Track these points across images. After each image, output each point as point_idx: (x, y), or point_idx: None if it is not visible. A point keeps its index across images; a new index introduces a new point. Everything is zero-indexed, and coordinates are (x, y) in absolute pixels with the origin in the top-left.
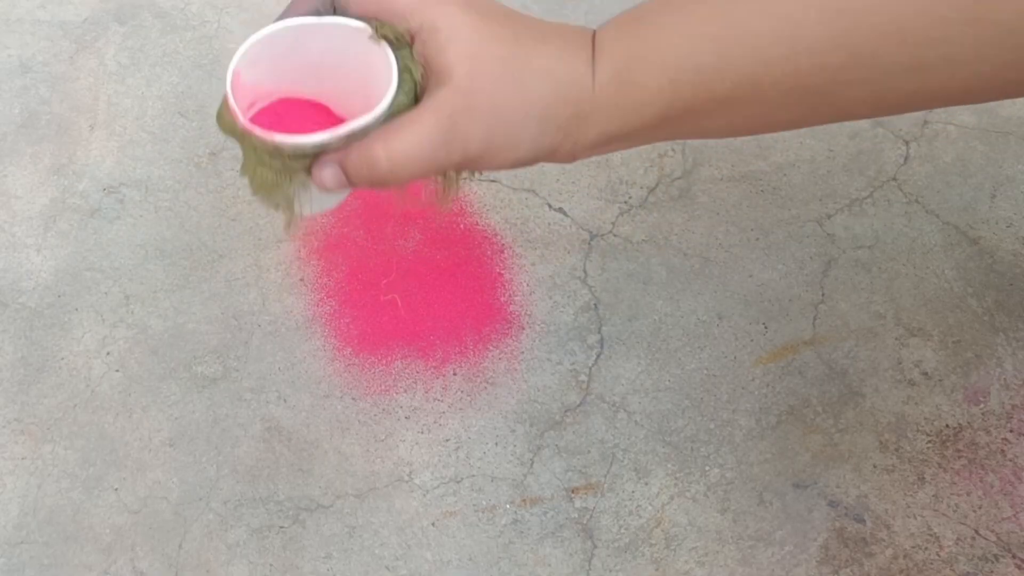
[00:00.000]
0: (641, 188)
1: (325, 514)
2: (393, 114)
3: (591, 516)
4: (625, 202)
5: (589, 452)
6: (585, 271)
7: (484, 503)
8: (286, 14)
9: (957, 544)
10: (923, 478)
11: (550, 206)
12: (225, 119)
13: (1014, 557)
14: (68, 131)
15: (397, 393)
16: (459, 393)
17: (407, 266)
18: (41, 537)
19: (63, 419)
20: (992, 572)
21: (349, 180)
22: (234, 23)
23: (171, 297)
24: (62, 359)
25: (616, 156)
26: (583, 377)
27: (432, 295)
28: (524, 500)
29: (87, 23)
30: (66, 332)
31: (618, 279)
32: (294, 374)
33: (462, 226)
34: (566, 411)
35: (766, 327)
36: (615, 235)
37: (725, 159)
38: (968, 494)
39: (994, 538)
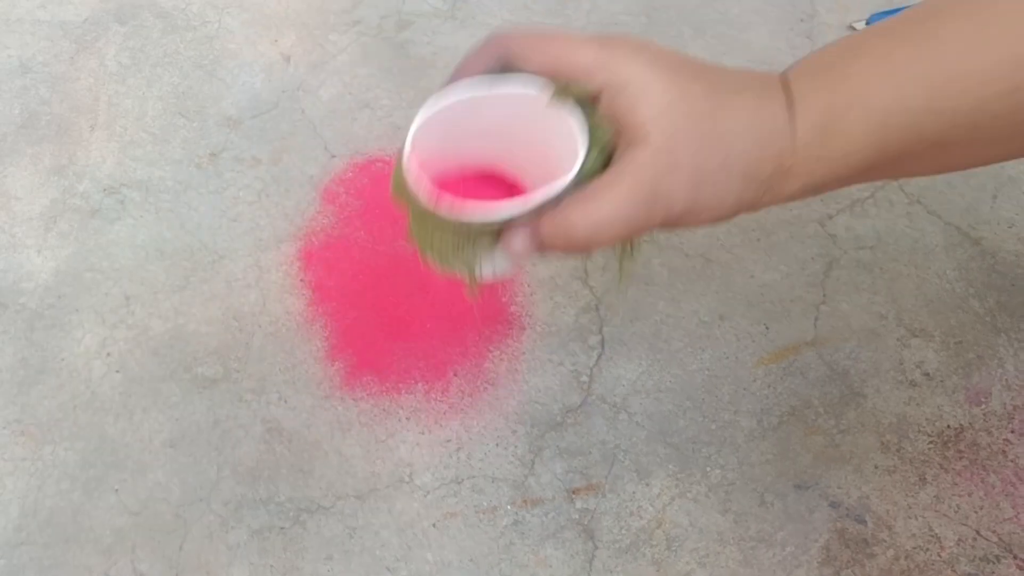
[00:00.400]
0: None
1: (326, 515)
2: (583, 178)
3: (592, 517)
4: None
5: (590, 453)
6: (586, 272)
7: (485, 504)
8: (458, 74)
9: (958, 545)
10: (924, 479)
11: None
12: (403, 193)
13: (1015, 558)
14: (68, 131)
15: (398, 394)
16: (460, 394)
17: (408, 267)
18: (41, 538)
19: (63, 420)
20: (993, 573)
21: (543, 247)
22: (235, 23)
23: (171, 298)
24: (62, 360)
25: None
26: (584, 378)
27: (433, 296)
28: (525, 501)
29: (87, 23)
30: (66, 333)
31: (619, 279)
32: (295, 375)
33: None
34: (567, 412)
35: (767, 328)
36: None
37: None
38: (969, 495)
39: (995, 539)
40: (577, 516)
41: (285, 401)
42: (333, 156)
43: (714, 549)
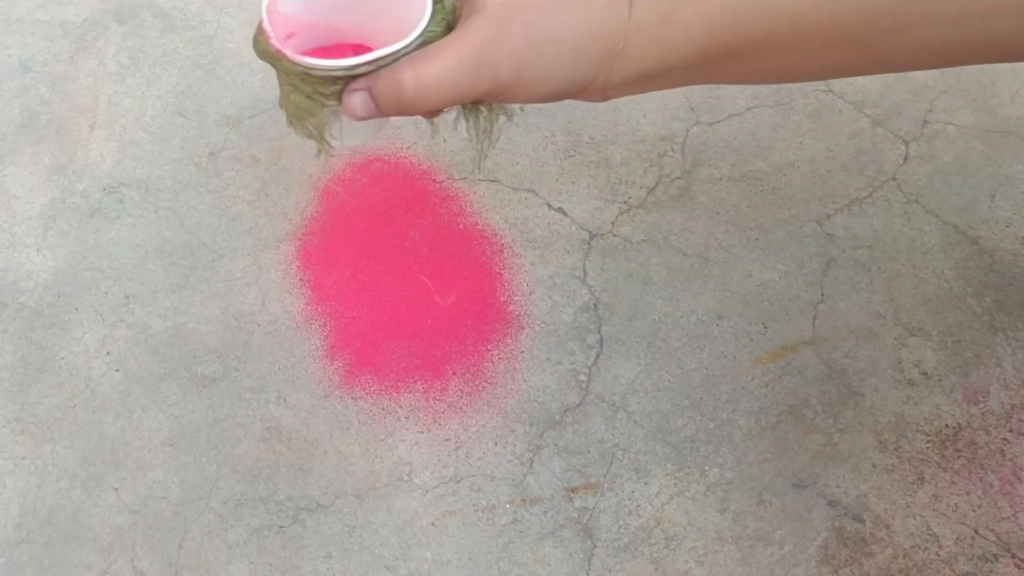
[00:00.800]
0: (641, 188)
1: (325, 514)
2: (426, 43)
3: (591, 516)
4: (625, 202)
5: (589, 452)
6: (585, 271)
7: (484, 503)
8: None
9: (956, 544)
10: (922, 478)
11: (550, 206)
12: (260, 43)
13: (1013, 557)
14: (68, 131)
15: (397, 393)
16: (458, 393)
17: (406, 266)
18: (41, 537)
19: (63, 419)
20: (991, 572)
21: (378, 106)
22: (234, 23)
23: (171, 297)
24: (62, 359)
25: (616, 156)
26: (583, 377)
27: (432, 295)
28: (524, 500)
29: (87, 23)
30: (66, 332)
31: (618, 279)
32: (294, 374)
33: (462, 226)
34: (566, 411)
35: (766, 327)
36: (615, 235)
37: (724, 159)
38: (967, 494)
39: (993, 538)
40: (576, 515)
41: (284, 400)
42: (332, 155)
43: (712, 548)
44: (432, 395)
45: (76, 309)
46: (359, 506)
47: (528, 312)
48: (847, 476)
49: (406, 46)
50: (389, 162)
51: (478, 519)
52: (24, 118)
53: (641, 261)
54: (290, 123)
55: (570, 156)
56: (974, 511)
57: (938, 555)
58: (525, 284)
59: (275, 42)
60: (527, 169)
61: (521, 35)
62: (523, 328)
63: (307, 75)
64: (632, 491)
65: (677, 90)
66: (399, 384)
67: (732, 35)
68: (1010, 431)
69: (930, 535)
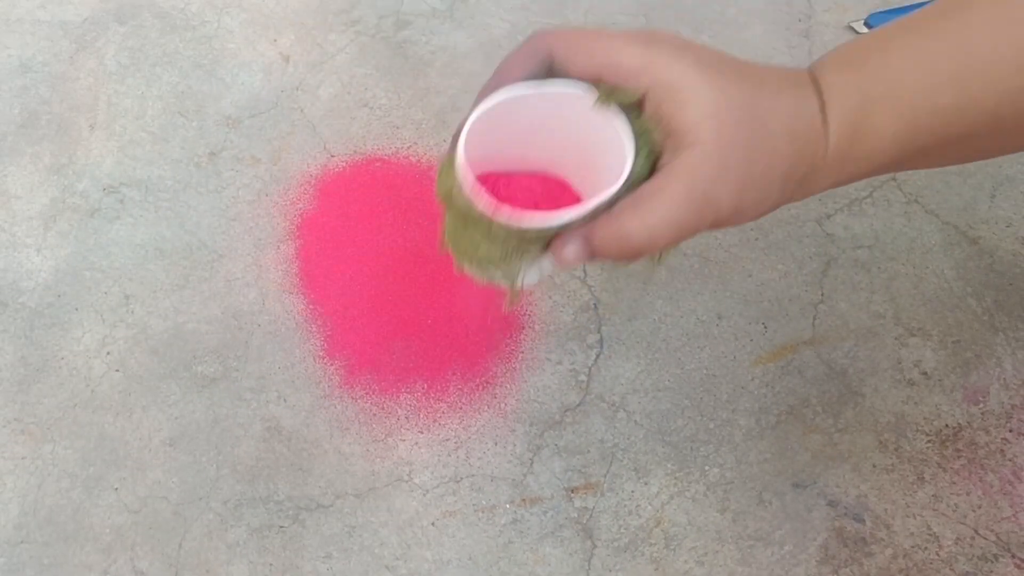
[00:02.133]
0: None
1: (325, 514)
2: (632, 183)
3: (591, 516)
4: None
5: (589, 452)
6: (585, 271)
7: (484, 503)
8: (500, 75)
9: (956, 544)
10: (922, 478)
11: None
12: (453, 196)
13: (1013, 557)
14: (68, 131)
15: (397, 393)
16: (458, 393)
17: (406, 266)
18: (41, 537)
19: (63, 419)
20: (991, 572)
21: (594, 254)
22: (234, 23)
23: (171, 297)
24: (62, 359)
25: None
26: (583, 377)
27: (431, 295)
28: (524, 500)
29: (87, 23)
30: (66, 332)
31: (618, 279)
32: (294, 374)
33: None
34: (566, 411)
35: (765, 327)
36: None
37: None
38: (967, 494)
39: (993, 538)
40: (576, 515)
41: (284, 400)
42: (332, 155)
43: (712, 548)
44: (432, 395)
45: (76, 309)
46: (359, 506)
47: (528, 312)
48: (847, 476)
49: (619, 190)
50: (389, 162)
51: (478, 519)
52: (24, 118)
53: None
54: (465, 267)
55: None
56: (974, 511)
57: (938, 555)
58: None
59: (486, 205)
60: None
61: (740, 172)
62: (523, 328)
63: (519, 231)
64: (632, 491)
65: None
66: (399, 384)
67: (927, 136)
68: (1010, 431)
69: (930, 535)
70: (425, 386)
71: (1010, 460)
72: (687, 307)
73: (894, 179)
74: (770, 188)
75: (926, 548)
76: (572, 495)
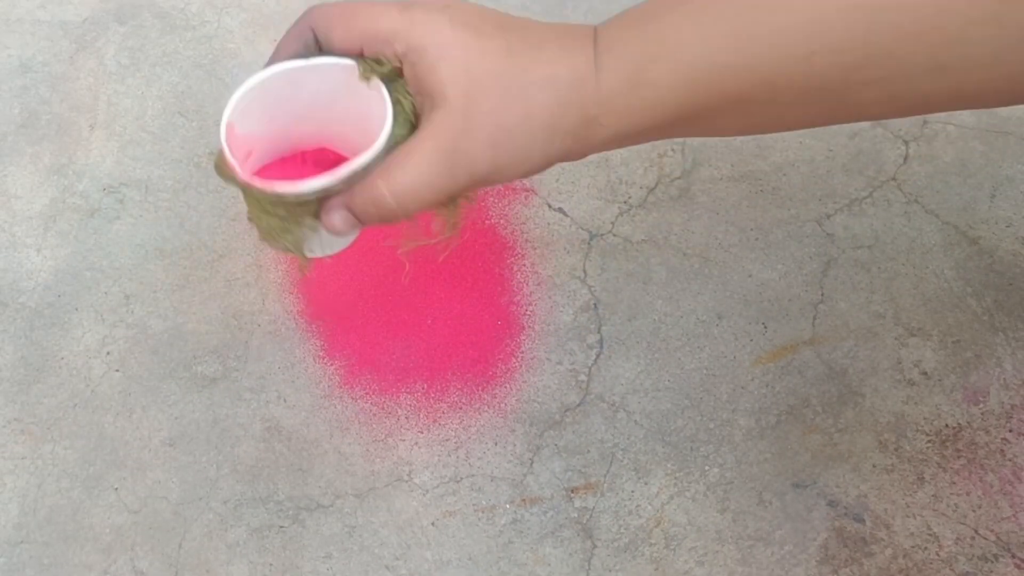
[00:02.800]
0: (641, 188)
1: (325, 514)
2: (392, 147)
3: (591, 516)
4: (625, 202)
5: (589, 452)
6: (585, 271)
7: (484, 503)
8: (271, 62)
9: (956, 544)
10: (923, 478)
11: (550, 206)
12: (224, 171)
13: (1013, 557)
14: (68, 131)
15: (397, 393)
16: (458, 393)
17: (407, 266)
18: (41, 537)
19: (63, 419)
20: (991, 572)
21: (359, 221)
22: (234, 23)
23: (171, 297)
24: (62, 359)
25: (616, 156)
26: (583, 377)
27: (431, 295)
28: (524, 500)
29: (87, 23)
30: (66, 332)
31: (618, 279)
32: (294, 374)
33: (461, 226)
34: (566, 411)
35: (765, 327)
36: (615, 235)
37: (725, 159)
38: (967, 494)
39: (993, 538)
40: (576, 515)
41: (284, 400)
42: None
43: (712, 548)
44: (432, 395)
45: (76, 309)
46: (359, 506)
47: (528, 312)
48: (847, 476)
49: (375, 156)
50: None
51: (478, 519)
52: (24, 118)
53: (641, 261)
54: (263, 239)
55: None
56: (974, 511)
57: (938, 555)
58: (525, 284)
59: (241, 172)
60: None
61: (489, 124)
62: (523, 328)
63: (279, 199)
64: (632, 491)
65: None
66: (399, 384)
67: (705, 94)
68: (1010, 431)
69: (930, 535)
70: (425, 386)
71: (1010, 460)
72: (687, 307)
73: (894, 179)
74: (532, 140)
75: (926, 548)
76: (572, 495)
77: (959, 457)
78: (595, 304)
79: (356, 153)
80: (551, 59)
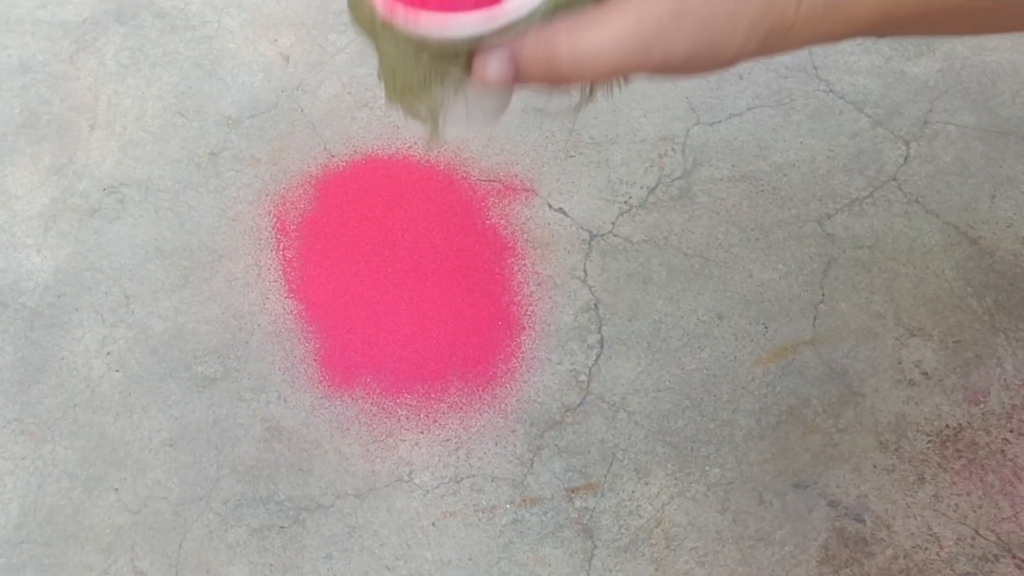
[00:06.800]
0: (641, 188)
1: (325, 514)
2: (571, 5)
3: (591, 516)
4: (625, 202)
5: (589, 452)
6: (585, 271)
7: (484, 503)
8: None
9: (957, 544)
10: (923, 478)
11: (550, 206)
12: (360, 8)
13: (1014, 557)
14: (68, 131)
15: (397, 393)
16: (459, 393)
17: (407, 266)
18: (41, 537)
19: (63, 419)
20: (992, 572)
21: (520, 74)
22: (234, 23)
23: (171, 297)
24: (62, 359)
25: (616, 156)
26: (583, 377)
27: (432, 295)
28: (524, 500)
29: (87, 23)
30: (66, 332)
31: (618, 279)
32: (294, 374)
33: (463, 226)
34: (566, 411)
35: (766, 327)
36: (615, 235)
37: (725, 159)
38: (968, 494)
39: (994, 538)
40: (576, 515)
41: (284, 400)
42: (332, 155)
43: (713, 548)
44: (432, 395)
45: (76, 309)
46: (359, 506)
47: (528, 312)
48: (847, 476)
49: (545, 6)
50: (389, 162)
51: (478, 519)
52: (24, 118)
53: (641, 261)
54: (392, 101)
55: (570, 156)
56: (975, 511)
57: (939, 555)
58: (525, 284)
59: (382, 5)
60: (527, 169)
61: (701, 11)
62: (524, 328)
63: (423, 44)
64: (632, 491)
65: (677, 90)
66: (399, 384)
67: (912, 6)
68: (1011, 431)
69: (931, 535)
70: (425, 386)
71: (1011, 460)
72: (687, 307)
73: (895, 179)
74: (732, 36)
75: (927, 548)
76: (572, 495)
77: (960, 457)
78: (595, 304)
79: None
80: None
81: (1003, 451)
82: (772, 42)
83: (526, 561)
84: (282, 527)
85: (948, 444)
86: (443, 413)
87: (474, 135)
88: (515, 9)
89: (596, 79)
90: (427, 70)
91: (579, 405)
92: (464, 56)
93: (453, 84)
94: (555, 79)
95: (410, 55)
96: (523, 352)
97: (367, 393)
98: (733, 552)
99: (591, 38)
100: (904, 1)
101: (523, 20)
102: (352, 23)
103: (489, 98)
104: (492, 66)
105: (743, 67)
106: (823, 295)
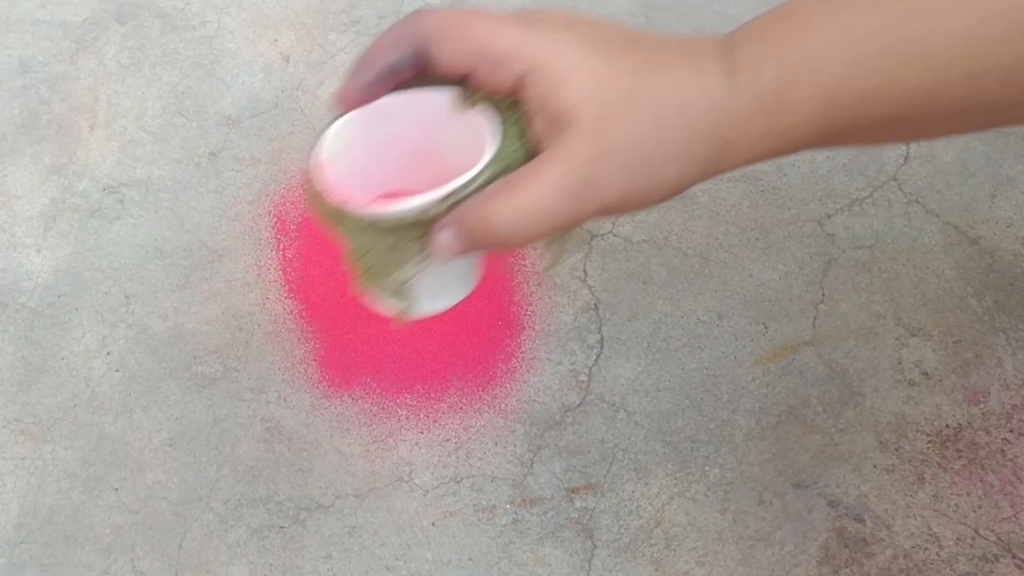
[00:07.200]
0: None
1: (325, 514)
2: (504, 158)
3: (591, 516)
4: None
5: (589, 452)
6: (585, 271)
7: (484, 503)
8: (368, 58)
9: (957, 544)
10: (923, 478)
11: None
12: (320, 202)
13: (1014, 557)
14: (68, 131)
15: (397, 393)
16: (459, 393)
17: None
18: (41, 537)
19: (63, 419)
20: (992, 572)
21: (468, 244)
22: (234, 23)
23: (171, 297)
24: (62, 359)
25: None
26: (583, 377)
27: None
28: (524, 500)
29: (87, 23)
30: (66, 332)
31: (618, 279)
32: (294, 374)
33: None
34: (566, 411)
35: (766, 327)
36: (615, 235)
37: None
38: (968, 494)
39: (994, 538)
40: (576, 515)
41: (284, 400)
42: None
43: (713, 548)
44: (432, 395)
45: (76, 309)
46: (359, 506)
47: (528, 312)
48: (847, 476)
49: (480, 173)
50: None
51: (478, 519)
52: (24, 118)
53: (642, 261)
54: (366, 285)
55: None
56: (975, 511)
57: (939, 555)
58: (525, 284)
59: (335, 197)
60: None
61: (626, 152)
62: (523, 328)
63: (375, 225)
64: (632, 491)
65: None
66: (399, 384)
67: (850, 116)
68: (1011, 431)
69: (931, 535)
70: (425, 386)
71: (1010, 460)
72: (687, 307)
73: (895, 179)
74: (665, 168)
75: (926, 548)
76: (572, 495)
77: (959, 457)
78: (595, 304)
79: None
80: (683, 80)
81: (1003, 451)
82: (721, 161)
83: (526, 561)
84: (282, 527)
85: (948, 444)
86: (443, 413)
87: (447, 308)
88: (448, 186)
89: (541, 237)
90: (390, 248)
91: (579, 405)
92: (421, 231)
93: (416, 260)
94: (500, 245)
95: (372, 237)
96: (523, 352)
97: (367, 393)
98: (733, 552)
99: (523, 199)
100: (840, 112)
101: (462, 189)
102: (316, 215)
103: (453, 270)
104: (443, 238)
105: None
106: (823, 295)
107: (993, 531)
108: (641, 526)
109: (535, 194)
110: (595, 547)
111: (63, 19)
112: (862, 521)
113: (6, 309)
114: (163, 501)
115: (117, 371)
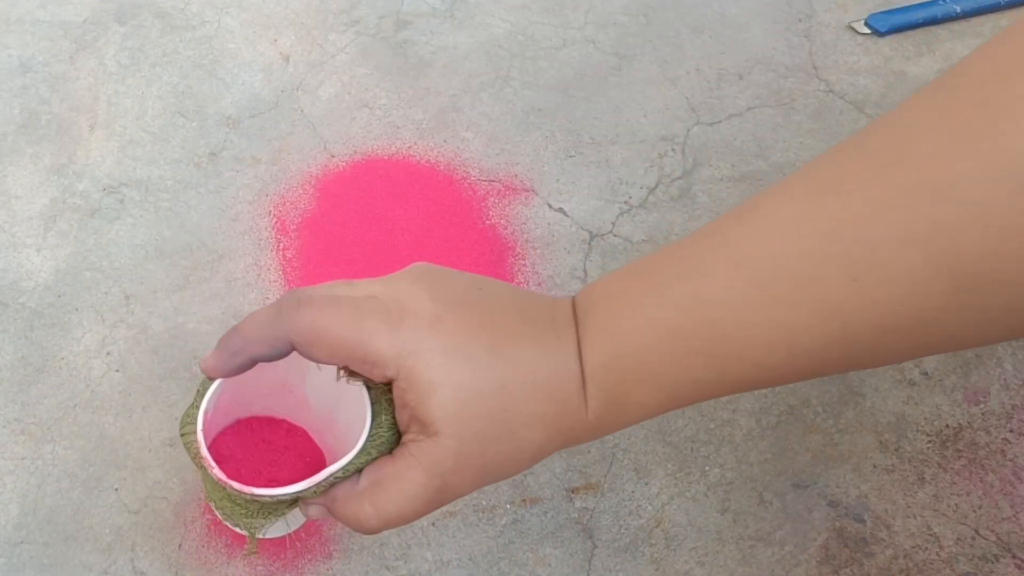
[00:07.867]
0: (641, 188)
1: None
2: (374, 447)
3: (591, 516)
4: (625, 202)
5: (589, 452)
6: (585, 271)
7: (484, 503)
8: (240, 341)
9: (957, 544)
10: (923, 478)
11: (550, 206)
12: (195, 457)
13: (1014, 557)
14: (68, 131)
15: None
16: None
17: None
18: (41, 537)
19: (63, 419)
20: (992, 572)
21: (334, 520)
22: (234, 23)
23: (171, 297)
24: (62, 359)
25: (616, 156)
26: None
27: None
28: (524, 500)
29: (87, 23)
30: (66, 332)
31: None
32: None
33: (462, 226)
34: None
35: None
36: (615, 235)
37: (725, 159)
38: (968, 494)
39: (994, 538)
40: (576, 515)
41: None
42: (332, 155)
43: (713, 548)
44: None
45: (76, 309)
46: None
47: None
48: (847, 476)
49: (354, 460)
50: (389, 162)
51: (478, 519)
52: (24, 118)
53: None
54: (222, 518)
55: (570, 156)
56: (975, 511)
57: (939, 555)
58: (525, 284)
59: (219, 471)
60: (527, 169)
61: (481, 463)
62: None
63: (250, 502)
64: (632, 491)
65: (677, 90)
66: None
67: (690, 399)
68: (1011, 431)
69: (931, 535)
70: None
71: (1011, 460)
72: None
73: None
74: (516, 468)
75: (927, 548)
76: (572, 495)
77: (959, 457)
78: None
79: (317, 430)
80: (542, 397)
81: (1003, 451)
82: (570, 447)
83: (526, 561)
84: None
85: (948, 444)
86: None
87: (290, 533)
88: (327, 473)
89: (405, 523)
90: (252, 513)
91: None
92: (288, 504)
93: (277, 516)
94: (369, 533)
95: (239, 502)
96: None
97: None
98: (733, 552)
99: (388, 504)
100: (679, 399)
101: (336, 473)
102: (187, 452)
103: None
104: (313, 512)
105: (743, 67)
106: None
107: (993, 531)
108: (641, 526)
109: (399, 499)
110: (595, 547)
111: (63, 19)
112: (862, 521)
113: (6, 309)
114: (163, 501)
115: (117, 371)
